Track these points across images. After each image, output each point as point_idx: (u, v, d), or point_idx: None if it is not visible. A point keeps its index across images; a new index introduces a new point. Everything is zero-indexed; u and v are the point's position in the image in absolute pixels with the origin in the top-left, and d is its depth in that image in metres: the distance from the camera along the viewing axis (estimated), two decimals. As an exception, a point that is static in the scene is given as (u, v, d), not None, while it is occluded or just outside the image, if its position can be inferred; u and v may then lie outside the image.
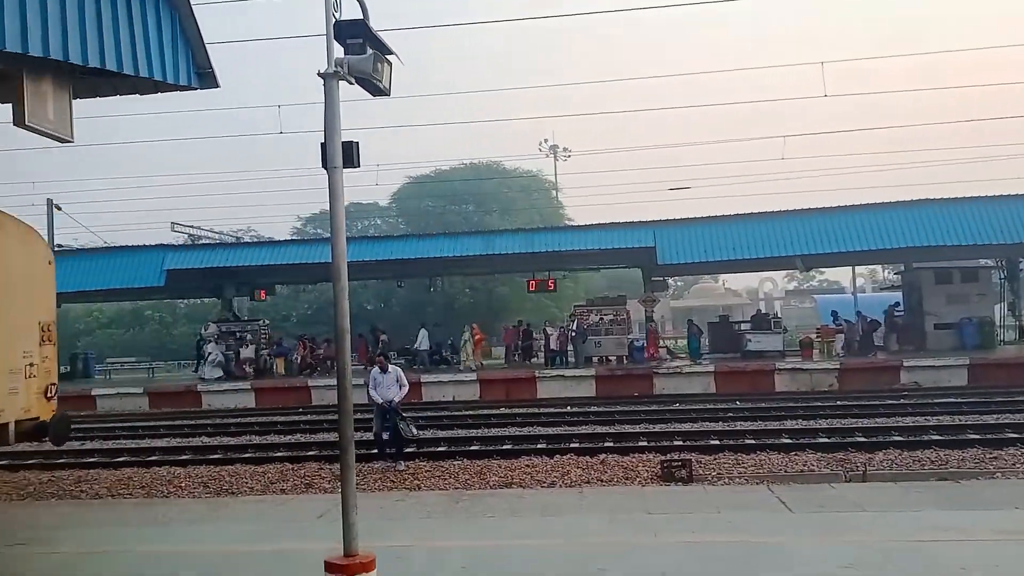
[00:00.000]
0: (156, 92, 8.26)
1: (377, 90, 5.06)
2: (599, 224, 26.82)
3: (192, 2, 8.26)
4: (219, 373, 28.59)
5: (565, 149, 59.56)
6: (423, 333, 29.38)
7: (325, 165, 4.41)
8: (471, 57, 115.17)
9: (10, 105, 6.69)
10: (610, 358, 27.12)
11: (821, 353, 25.91)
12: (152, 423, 20.75)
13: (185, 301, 50.77)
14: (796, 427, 15.29)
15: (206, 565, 5.95)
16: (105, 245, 34.14)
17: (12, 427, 8.66)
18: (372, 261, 26.71)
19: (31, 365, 9.21)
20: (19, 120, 6.42)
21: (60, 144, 7.23)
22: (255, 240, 42.47)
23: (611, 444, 14.13)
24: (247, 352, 29.64)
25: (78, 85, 7.28)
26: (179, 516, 8.12)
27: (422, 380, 24.51)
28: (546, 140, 59.98)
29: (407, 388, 13.43)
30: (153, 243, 29.23)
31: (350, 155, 4.47)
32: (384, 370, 13.39)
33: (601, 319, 27.66)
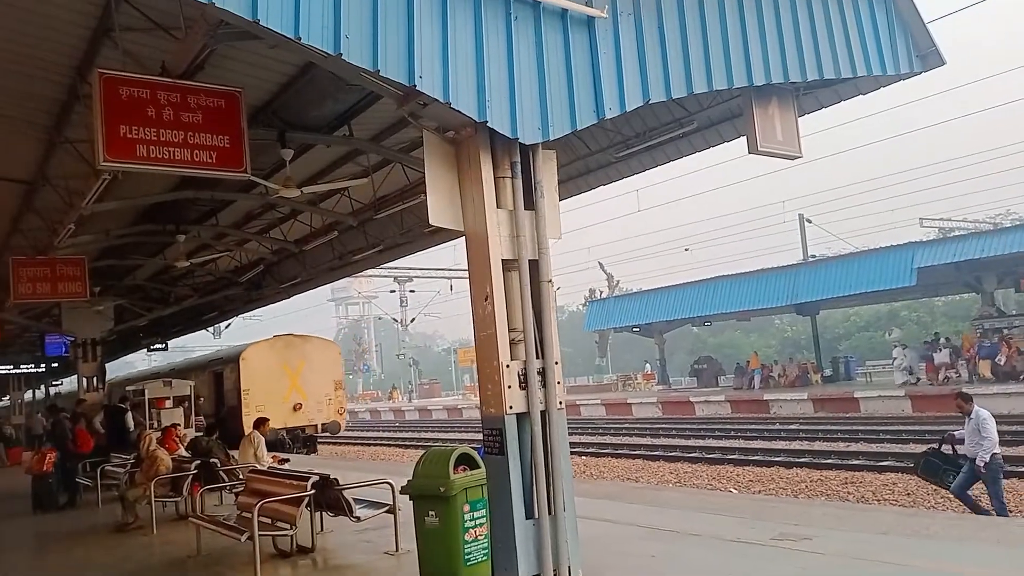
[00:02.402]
0: (877, 88, 7.99)
1: None
2: None
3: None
4: (904, 379, 27.54)
5: None
6: None
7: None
8: None
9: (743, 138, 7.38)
10: None
11: None
12: (914, 427, 20.02)
13: (942, 298, 48.02)
14: None
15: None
16: (854, 249, 35.00)
17: (319, 426, 22.85)
18: None
19: (330, 400, 23.65)
20: (753, 148, 7.03)
21: (790, 162, 7.62)
22: (1016, 223, 37.40)
23: None
24: (941, 357, 26.91)
25: (801, 101, 7.59)
26: (944, 531, 7.48)
27: None
28: None
29: (989, 442, 9.09)
30: (901, 242, 28.59)
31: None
32: (965, 413, 9.51)
33: None
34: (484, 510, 5.61)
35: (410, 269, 51.75)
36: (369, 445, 31.65)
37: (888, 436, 18.79)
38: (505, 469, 5.07)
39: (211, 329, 37.04)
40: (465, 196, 5.37)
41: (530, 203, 5.39)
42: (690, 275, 40.59)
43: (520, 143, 5.25)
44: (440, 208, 5.33)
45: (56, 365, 28.02)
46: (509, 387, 5.11)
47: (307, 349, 23.58)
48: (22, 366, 28.27)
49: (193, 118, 6.50)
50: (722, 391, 34.86)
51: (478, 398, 5.49)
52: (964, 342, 28.12)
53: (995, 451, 9.26)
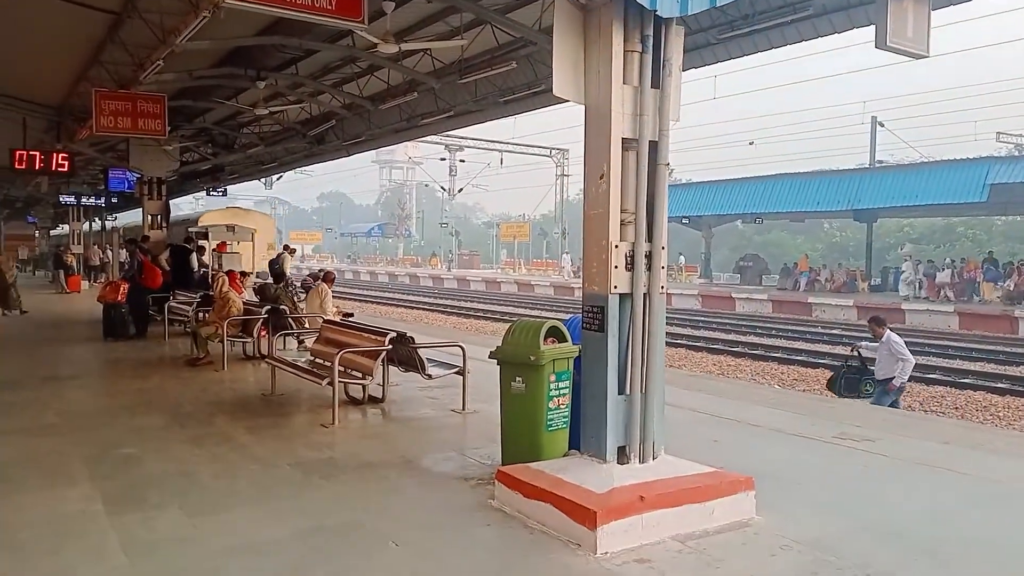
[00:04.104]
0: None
1: None
2: None
3: None
4: (908, 292, 28.84)
5: None
6: None
7: None
8: None
9: (871, 28, 6.98)
10: None
11: None
12: (965, 344, 19.94)
13: (1003, 218, 46.47)
14: None
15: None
16: (923, 160, 33.71)
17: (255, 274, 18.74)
18: None
19: (264, 257, 25.22)
20: (880, 42, 6.65)
21: (913, 60, 7.23)
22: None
23: None
24: (943, 276, 28.24)
25: (935, -4, 7.11)
26: (1008, 447, 7.57)
27: None
28: None
29: (909, 364, 9.68)
30: (975, 156, 27.49)
31: None
32: (877, 336, 9.95)
33: None
34: (568, 381, 5.80)
35: (462, 138, 51.12)
36: (412, 308, 32.43)
37: (934, 351, 18.77)
38: (603, 346, 5.16)
39: (263, 180, 37.41)
40: (590, 68, 5.19)
41: (656, 81, 5.22)
42: (750, 170, 39.56)
43: (655, 15, 5.02)
44: (564, 78, 5.17)
45: (116, 200, 28.64)
46: (615, 267, 5.12)
47: (250, 218, 32.45)
48: (83, 198, 28.93)
49: (315, -40, 6.30)
50: (765, 290, 34.77)
51: (580, 275, 5.54)
52: (969, 264, 29.44)
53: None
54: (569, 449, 5.80)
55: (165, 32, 9.52)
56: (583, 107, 5.28)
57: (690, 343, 20.08)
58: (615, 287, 5.14)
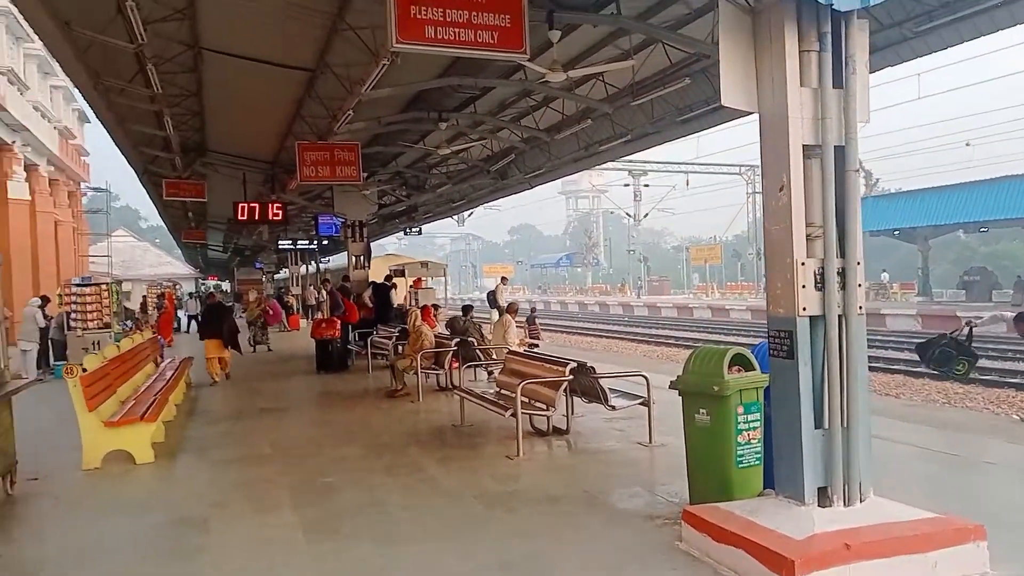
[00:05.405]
0: None
1: None
2: None
3: None
4: None
5: None
6: None
7: None
8: None
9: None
10: None
11: None
12: None
13: None
14: None
15: None
16: None
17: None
18: None
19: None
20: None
21: None
22: None
23: None
24: None
25: None
26: None
27: None
28: None
29: None
30: None
31: None
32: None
33: None
34: (759, 414, 5.35)
35: (645, 162, 50.65)
36: (601, 337, 32.25)
37: None
38: (794, 374, 4.69)
39: (456, 217, 39.12)
40: (762, 73, 4.82)
41: (838, 81, 4.74)
42: (969, 174, 35.55)
43: (832, 9, 4.57)
44: (734, 87, 4.83)
45: (326, 243, 31.08)
46: (803, 287, 4.66)
47: (400, 260, 33.45)
48: (299, 243, 31.67)
49: (477, -3, 6.45)
50: (996, 307, 30.96)
51: (766, 297, 5.11)
52: None
53: None
54: (764, 488, 5.33)
55: (352, 83, 10.19)
56: (757, 116, 4.90)
57: (909, 368, 18.16)
58: (804, 309, 4.68)
